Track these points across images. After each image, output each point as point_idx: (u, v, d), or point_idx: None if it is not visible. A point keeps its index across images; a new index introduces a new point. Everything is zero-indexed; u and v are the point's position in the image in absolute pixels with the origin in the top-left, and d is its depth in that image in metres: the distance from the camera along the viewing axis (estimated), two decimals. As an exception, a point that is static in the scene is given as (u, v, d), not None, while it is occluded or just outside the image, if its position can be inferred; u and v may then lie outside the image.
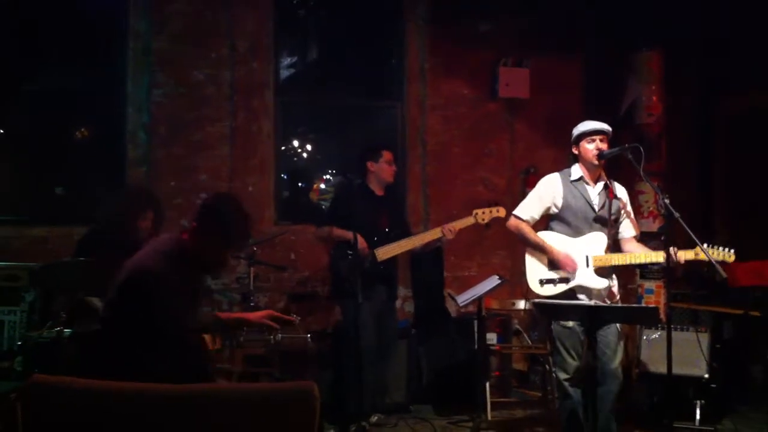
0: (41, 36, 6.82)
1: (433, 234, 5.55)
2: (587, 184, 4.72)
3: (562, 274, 4.62)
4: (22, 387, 2.26)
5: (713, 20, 7.13)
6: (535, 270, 4.72)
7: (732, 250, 4.39)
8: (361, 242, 5.34)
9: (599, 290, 4.60)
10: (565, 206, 4.70)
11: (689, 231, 4.17)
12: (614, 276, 4.71)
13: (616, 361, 4.52)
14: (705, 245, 4.32)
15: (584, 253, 4.60)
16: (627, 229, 4.82)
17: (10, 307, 5.21)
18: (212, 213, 3.30)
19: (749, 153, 7.46)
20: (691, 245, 4.34)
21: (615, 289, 4.71)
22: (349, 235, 5.30)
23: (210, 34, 7.04)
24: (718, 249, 4.39)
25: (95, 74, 6.94)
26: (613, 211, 4.68)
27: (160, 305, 3.09)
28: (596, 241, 4.63)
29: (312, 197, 7.90)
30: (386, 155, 5.77)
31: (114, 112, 6.94)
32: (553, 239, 4.69)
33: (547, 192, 4.77)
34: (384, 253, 5.48)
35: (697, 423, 5.50)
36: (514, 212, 4.88)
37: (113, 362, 3.01)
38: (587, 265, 4.59)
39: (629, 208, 4.85)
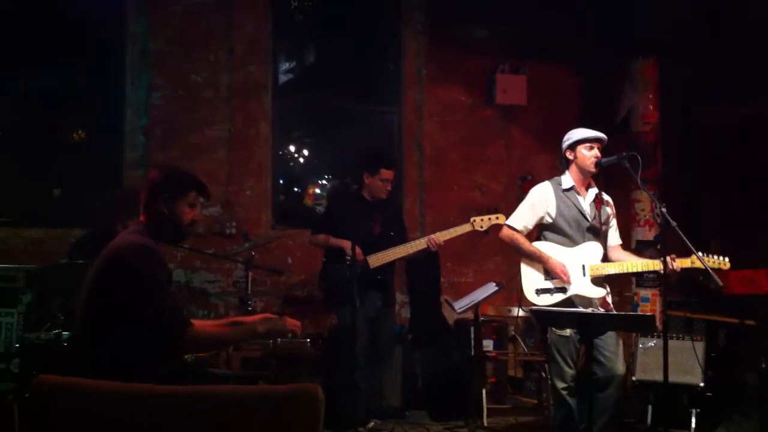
0: (39, 37, 6.80)
1: (418, 245, 5.45)
2: (578, 194, 4.72)
3: (558, 283, 4.62)
4: (27, 387, 2.25)
5: (701, 29, 7.16)
6: (531, 280, 4.69)
7: (726, 258, 4.44)
8: (357, 251, 5.25)
9: (595, 299, 4.61)
10: (558, 216, 4.69)
11: (686, 240, 4.20)
12: (606, 285, 4.73)
13: (620, 364, 4.50)
14: (700, 253, 4.35)
15: (580, 263, 4.61)
16: (614, 237, 4.83)
17: (6, 309, 5.17)
18: (147, 185, 3.37)
19: (738, 162, 7.47)
20: (687, 254, 4.40)
21: (609, 298, 4.72)
22: (347, 244, 5.23)
23: (208, 37, 7.04)
24: (712, 257, 4.44)
25: (93, 76, 6.91)
26: (603, 219, 4.70)
27: (156, 279, 3.05)
28: (592, 250, 4.64)
29: (307, 202, 7.91)
30: (384, 173, 5.64)
31: (112, 114, 6.93)
32: (548, 249, 4.69)
33: (540, 201, 4.74)
34: (376, 260, 5.45)
35: (692, 431, 5.51)
36: (507, 222, 4.86)
37: (104, 361, 2.91)
38: (584, 274, 4.59)
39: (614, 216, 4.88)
